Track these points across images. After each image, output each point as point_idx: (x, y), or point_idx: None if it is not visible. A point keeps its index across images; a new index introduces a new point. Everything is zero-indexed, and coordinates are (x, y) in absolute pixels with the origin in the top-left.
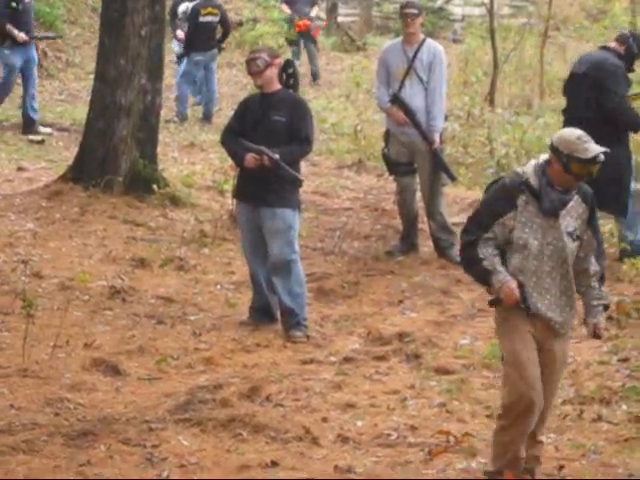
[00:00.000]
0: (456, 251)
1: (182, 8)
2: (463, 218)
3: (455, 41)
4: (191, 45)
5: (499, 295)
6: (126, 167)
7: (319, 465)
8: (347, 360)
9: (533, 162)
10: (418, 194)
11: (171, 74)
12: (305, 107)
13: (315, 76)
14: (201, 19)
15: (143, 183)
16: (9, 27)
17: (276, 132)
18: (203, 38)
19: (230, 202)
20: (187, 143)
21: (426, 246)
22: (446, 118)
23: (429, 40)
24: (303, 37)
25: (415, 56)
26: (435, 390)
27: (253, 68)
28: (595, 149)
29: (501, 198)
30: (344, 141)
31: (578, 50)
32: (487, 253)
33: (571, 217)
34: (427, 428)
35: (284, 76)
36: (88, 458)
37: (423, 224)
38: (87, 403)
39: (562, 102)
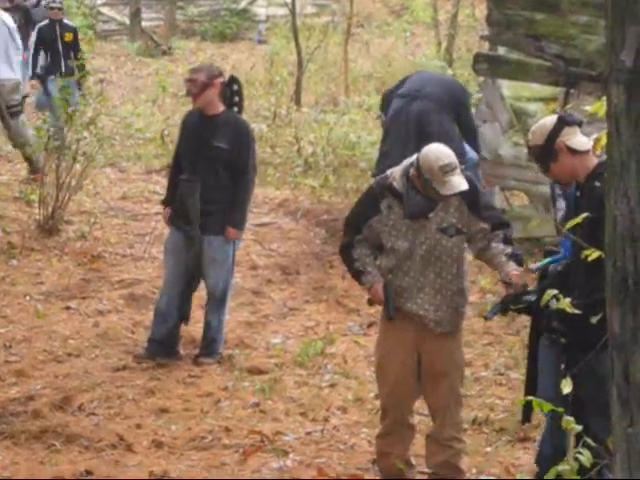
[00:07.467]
0: None
1: None
2: (273, 218)
3: (260, 42)
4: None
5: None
6: None
7: (134, 472)
8: (160, 365)
9: (406, 162)
10: None
11: None
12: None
13: None
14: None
15: None
16: None
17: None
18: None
19: (37, 212)
20: None
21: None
22: None
23: None
24: None
25: None
26: (249, 390)
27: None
28: (453, 187)
29: (366, 201)
30: (152, 146)
31: (382, 46)
32: (360, 254)
33: (445, 212)
34: (241, 429)
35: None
36: None
37: None
38: None
39: (366, 99)
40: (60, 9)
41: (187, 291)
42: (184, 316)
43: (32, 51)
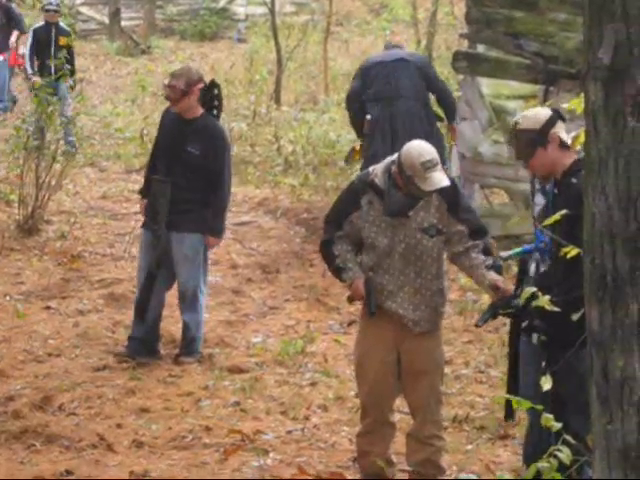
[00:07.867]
0: None
1: None
2: (252, 217)
3: (240, 41)
4: None
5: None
6: None
7: (115, 471)
8: (140, 365)
9: (388, 159)
10: None
11: None
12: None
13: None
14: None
15: None
16: None
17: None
18: None
19: (17, 212)
20: None
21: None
22: None
23: None
24: None
25: None
26: (229, 390)
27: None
28: (435, 183)
29: (347, 197)
30: (131, 145)
31: (361, 44)
32: (341, 250)
33: (426, 212)
34: (222, 428)
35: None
36: None
37: None
38: None
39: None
40: (56, 12)
41: (151, 289)
42: (144, 312)
43: (28, 52)
